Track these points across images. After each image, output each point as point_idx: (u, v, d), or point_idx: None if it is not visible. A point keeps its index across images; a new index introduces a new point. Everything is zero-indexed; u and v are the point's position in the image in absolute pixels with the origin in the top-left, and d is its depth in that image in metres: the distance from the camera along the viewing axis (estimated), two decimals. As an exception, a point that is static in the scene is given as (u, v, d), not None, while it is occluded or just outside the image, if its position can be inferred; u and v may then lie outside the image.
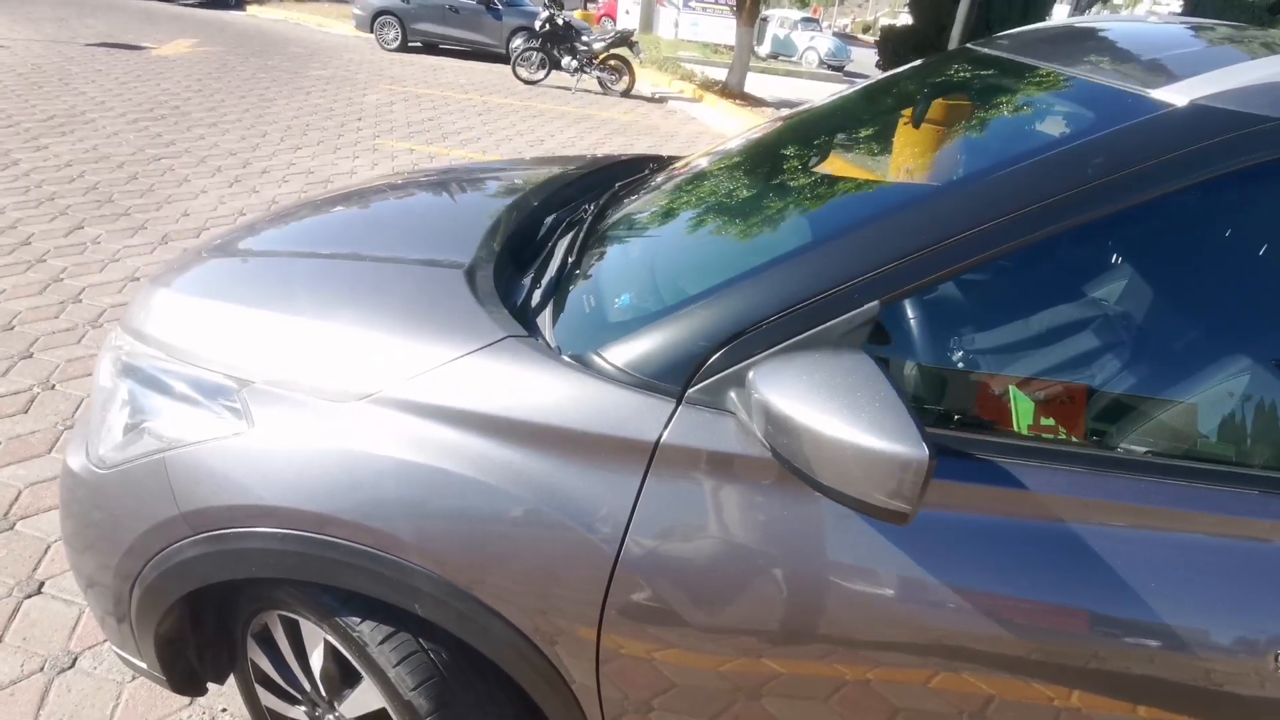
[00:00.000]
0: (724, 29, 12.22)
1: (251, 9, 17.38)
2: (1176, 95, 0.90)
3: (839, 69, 21.71)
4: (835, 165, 1.38)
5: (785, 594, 0.93)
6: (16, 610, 1.82)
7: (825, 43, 22.80)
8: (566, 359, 1.03)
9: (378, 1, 13.10)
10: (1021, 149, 0.96)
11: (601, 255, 1.36)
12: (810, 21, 24.45)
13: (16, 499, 2.17)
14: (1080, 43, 1.32)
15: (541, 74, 11.24)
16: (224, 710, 1.64)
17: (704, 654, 0.98)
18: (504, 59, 12.27)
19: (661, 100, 11.34)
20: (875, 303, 0.89)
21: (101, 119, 6.46)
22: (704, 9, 21.32)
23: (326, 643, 1.18)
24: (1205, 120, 0.86)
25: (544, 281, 1.32)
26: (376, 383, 1.04)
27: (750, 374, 0.88)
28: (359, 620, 1.10)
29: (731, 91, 11.27)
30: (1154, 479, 0.89)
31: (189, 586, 1.13)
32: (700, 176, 1.59)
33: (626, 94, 11.20)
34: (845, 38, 29.04)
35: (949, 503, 0.90)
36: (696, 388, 0.94)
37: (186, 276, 1.37)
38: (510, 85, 10.98)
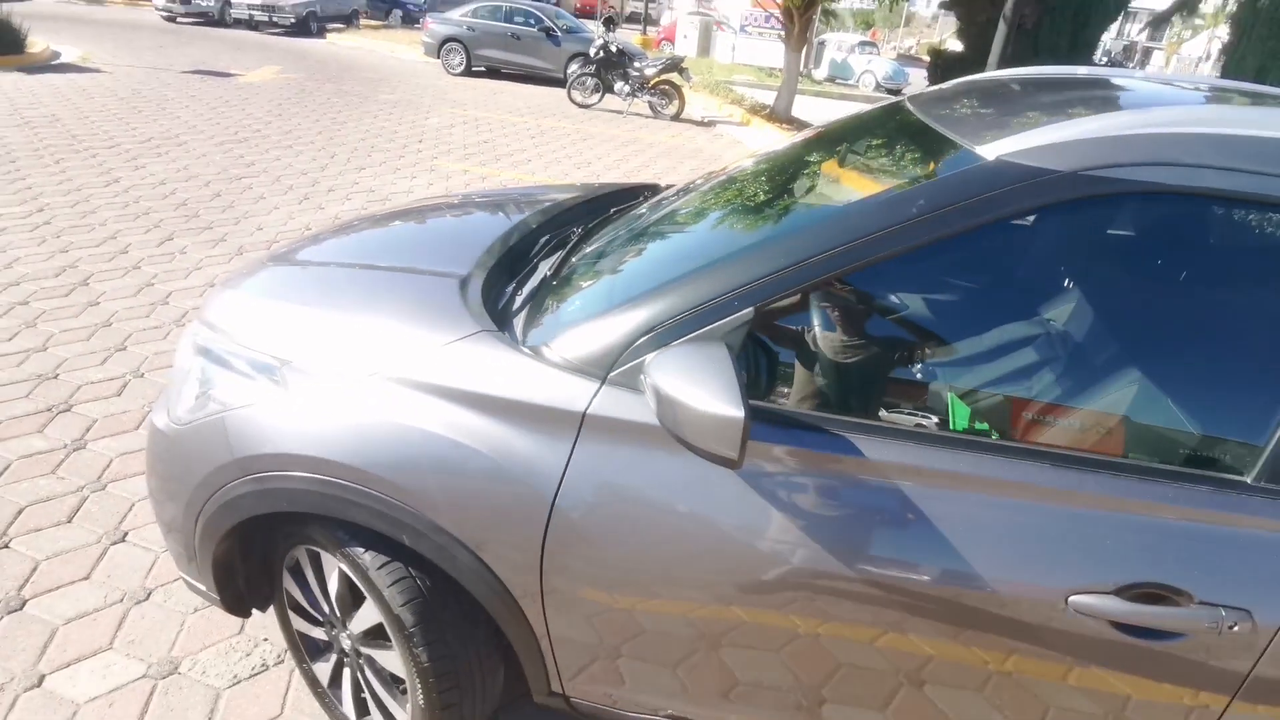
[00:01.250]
0: (779, 53, 12.48)
1: (331, 37, 18.52)
2: (990, 151, 1.15)
3: (896, 92, 21.68)
4: (741, 201, 1.65)
5: (670, 531, 1.20)
6: (104, 554, 2.21)
7: (883, 66, 22.80)
8: (525, 349, 1.32)
9: (444, 29, 13.88)
10: (874, 191, 1.21)
11: (569, 270, 1.65)
12: (868, 45, 24.49)
13: (109, 466, 2.58)
14: (974, 100, 1.55)
15: (595, 98, 11.71)
16: (265, 639, 1.97)
17: (617, 575, 1.25)
18: (562, 83, 12.80)
19: (710, 124, 11.65)
20: (750, 309, 1.16)
21: (193, 141, 7.15)
22: (760, 33, 21.64)
23: (340, 571, 1.49)
24: (1002, 172, 1.10)
25: (524, 290, 1.62)
26: (379, 363, 1.35)
27: (647, 361, 1.16)
28: (363, 550, 1.41)
29: (778, 116, 11.51)
30: (964, 451, 1.12)
31: (237, 518, 1.46)
32: (657, 207, 1.87)
33: (676, 118, 11.57)
34: (910, 59, 28.85)
35: (796, 466, 1.15)
36: (615, 372, 1.22)
37: (248, 280, 1.73)
38: (565, 109, 11.49)
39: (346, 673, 1.67)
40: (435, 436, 1.28)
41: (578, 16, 18.46)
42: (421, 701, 1.45)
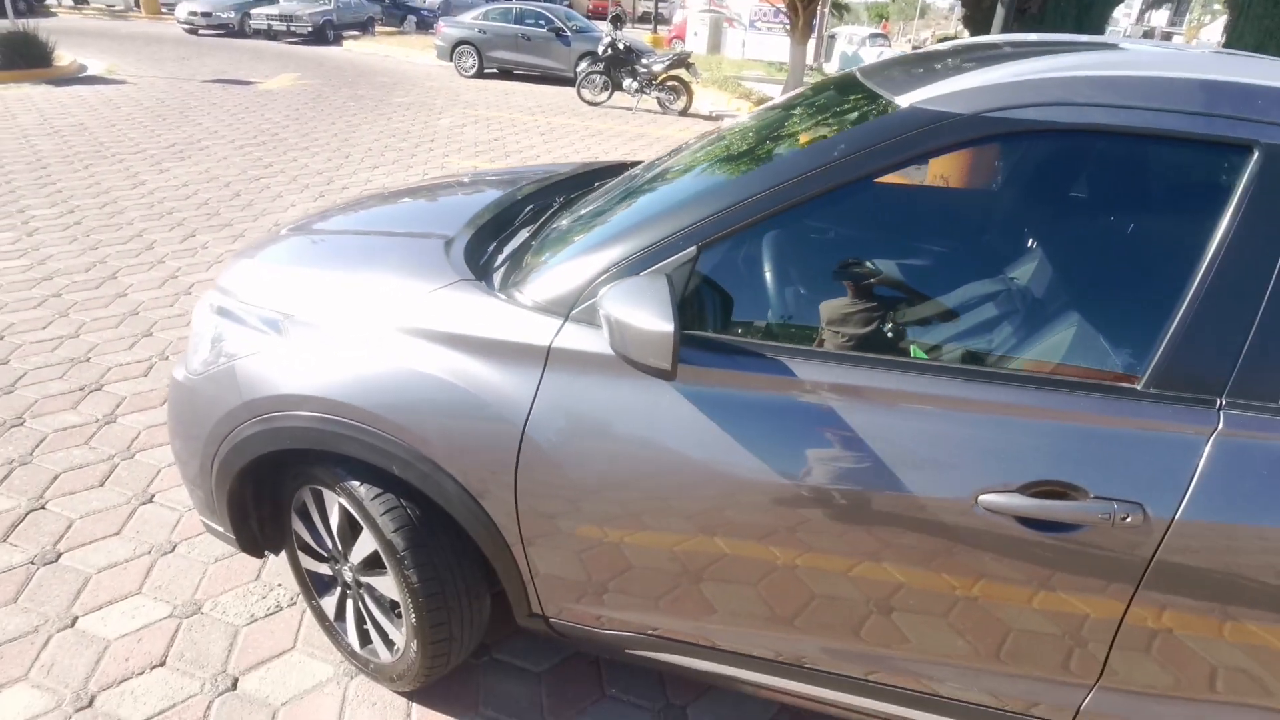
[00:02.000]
0: (788, 47, 12.57)
1: (348, 44, 18.90)
2: (905, 100, 1.27)
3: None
4: (690, 161, 1.78)
5: (626, 451, 1.33)
6: (132, 514, 2.39)
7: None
8: (499, 295, 1.47)
9: (457, 33, 14.13)
10: (809, 143, 1.34)
11: (544, 230, 1.79)
12: (879, 37, 24.43)
13: (137, 437, 2.77)
14: (912, 63, 1.66)
15: (604, 95, 11.87)
16: (279, 585, 2.14)
17: (582, 496, 1.38)
18: (573, 83, 12.99)
19: (717, 118, 11.76)
20: (693, 247, 1.29)
21: (214, 146, 7.41)
22: (769, 28, 21.69)
23: (339, 505, 1.65)
24: (911, 117, 1.22)
25: (505, 249, 1.77)
26: (372, 312, 1.50)
27: (600, 295, 1.30)
28: (359, 484, 1.56)
29: (786, 107, 11.58)
30: (884, 370, 1.25)
31: (248, 457, 1.62)
32: (628, 177, 2.01)
33: (684, 113, 11.69)
34: (921, 51, 28.64)
35: (736, 386, 1.28)
36: (577, 309, 1.36)
37: (258, 250, 1.89)
38: (575, 106, 11.66)
39: (349, 605, 1.82)
40: (421, 374, 1.43)
41: (590, 18, 18.61)
42: (414, 620, 1.60)
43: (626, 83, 11.67)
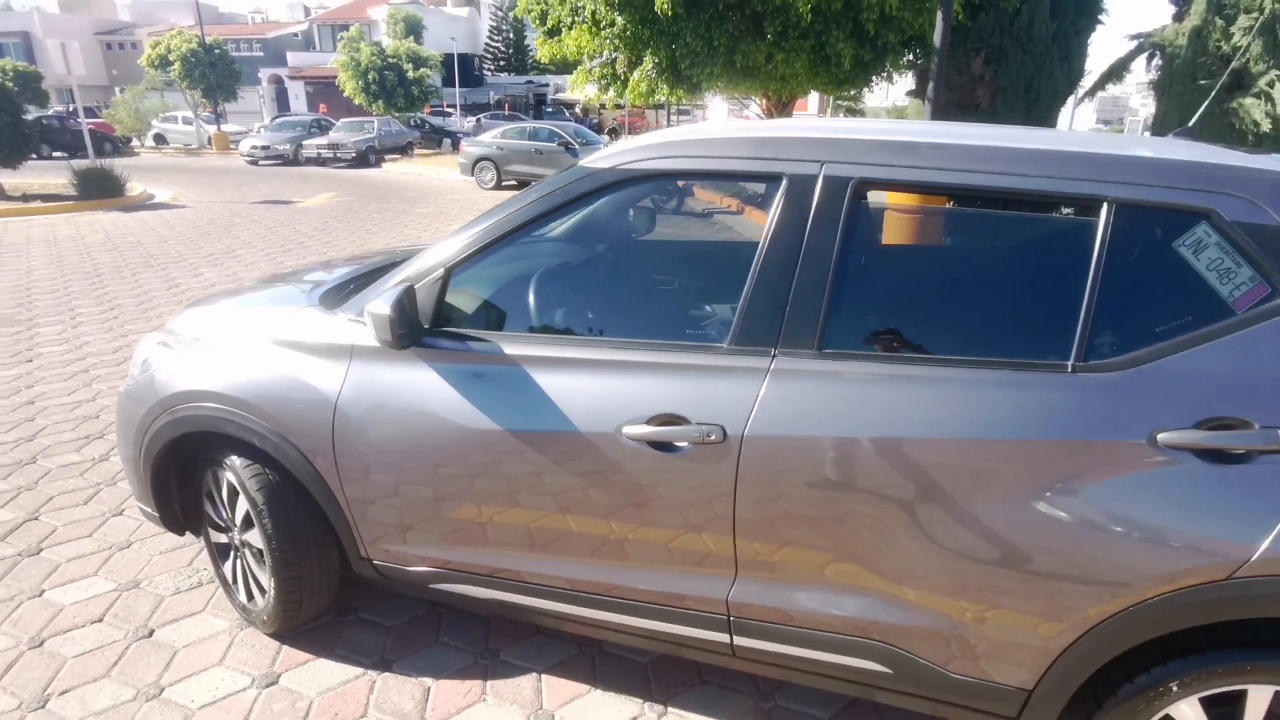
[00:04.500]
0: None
1: (387, 166, 20.85)
2: (581, 162, 1.86)
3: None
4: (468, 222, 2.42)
5: (398, 416, 1.87)
6: (104, 523, 2.96)
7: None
8: (330, 313, 2.06)
9: (477, 151, 15.65)
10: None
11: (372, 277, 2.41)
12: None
13: (121, 471, 3.38)
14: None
15: (606, 199, 12.97)
16: (205, 569, 2.65)
17: (377, 454, 1.91)
18: (579, 189, 14.18)
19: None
20: (441, 269, 1.87)
21: (246, 255, 8.47)
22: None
23: (227, 480, 2.19)
24: (577, 171, 1.81)
25: (348, 290, 2.38)
26: (249, 331, 2.11)
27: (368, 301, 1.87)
28: (238, 459, 2.11)
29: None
30: (560, 346, 1.78)
31: (162, 442, 2.19)
32: None
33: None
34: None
35: (466, 363, 1.82)
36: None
37: (199, 302, 2.55)
38: (578, 210, 12.73)
39: (239, 566, 2.33)
40: (274, 369, 2.02)
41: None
42: (270, 562, 2.11)
43: (625, 187, 12.76)
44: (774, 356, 1.64)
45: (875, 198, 1.73)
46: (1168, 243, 1.48)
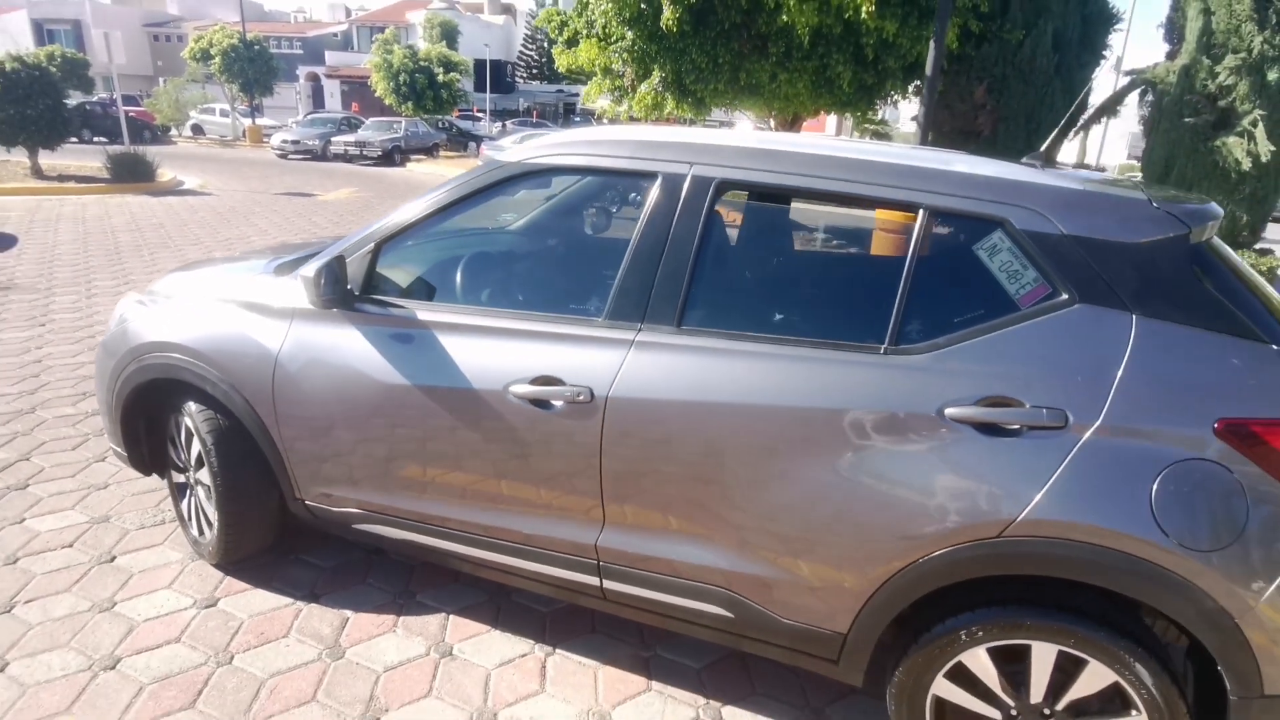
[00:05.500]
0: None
1: (411, 165, 21.37)
2: (502, 157, 2.13)
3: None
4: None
5: (329, 370, 2.13)
6: (86, 496, 3.26)
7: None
8: (280, 277, 2.33)
9: (495, 155, 16.06)
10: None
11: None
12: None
13: (111, 425, 3.69)
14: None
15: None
16: (169, 509, 2.94)
17: (310, 402, 2.18)
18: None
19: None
20: (371, 243, 2.14)
21: (258, 239, 8.86)
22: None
23: (185, 425, 2.47)
24: (491, 164, 2.07)
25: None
26: (211, 291, 2.40)
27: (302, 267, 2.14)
28: (194, 405, 2.39)
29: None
30: (466, 316, 2.04)
31: (132, 386, 2.48)
32: None
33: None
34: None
35: (391, 325, 2.08)
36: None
37: (180, 267, 2.85)
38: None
39: (193, 503, 2.61)
40: (226, 325, 2.30)
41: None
42: (216, 498, 2.38)
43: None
44: (639, 330, 1.88)
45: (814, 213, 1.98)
46: (969, 246, 1.70)
